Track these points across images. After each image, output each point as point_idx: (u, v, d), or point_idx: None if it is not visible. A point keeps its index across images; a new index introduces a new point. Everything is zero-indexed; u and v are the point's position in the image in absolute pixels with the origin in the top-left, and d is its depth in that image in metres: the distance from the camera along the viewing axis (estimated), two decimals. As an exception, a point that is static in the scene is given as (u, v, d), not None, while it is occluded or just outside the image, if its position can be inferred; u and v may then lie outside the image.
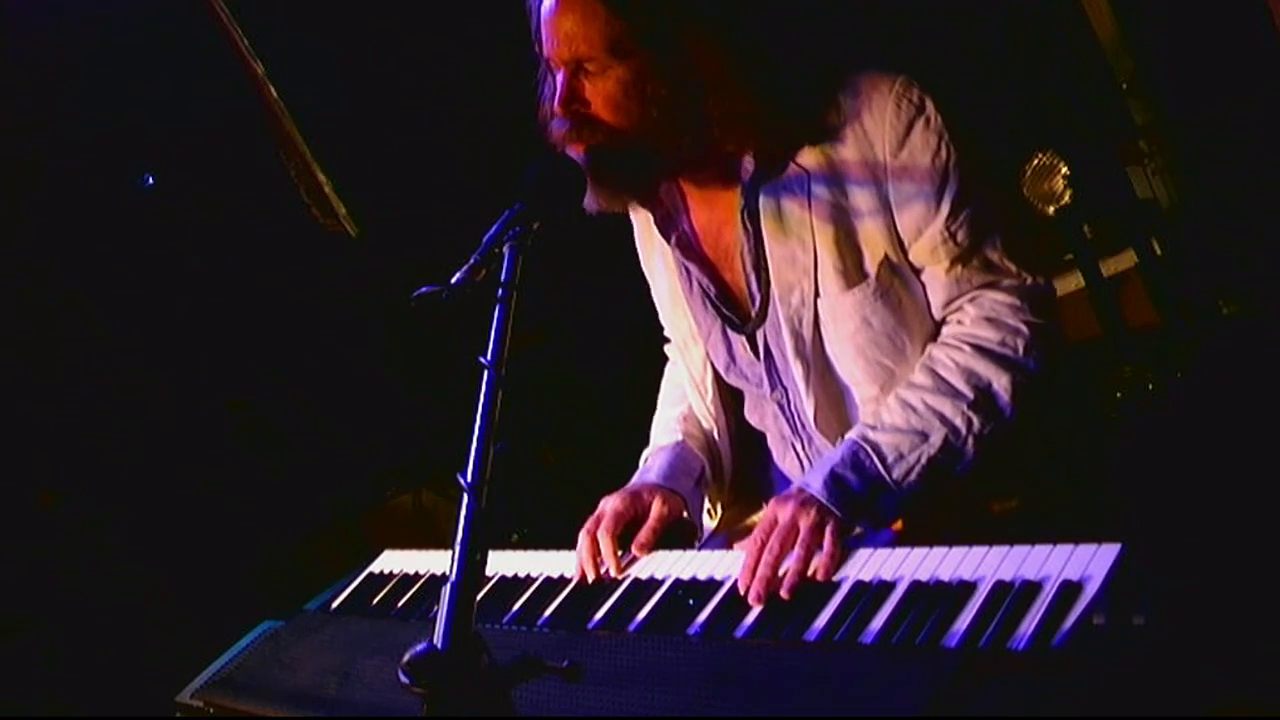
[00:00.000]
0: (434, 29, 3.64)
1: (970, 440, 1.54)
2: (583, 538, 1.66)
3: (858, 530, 1.56)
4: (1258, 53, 3.26)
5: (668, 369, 2.10)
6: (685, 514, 1.78)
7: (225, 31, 3.60)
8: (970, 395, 1.55)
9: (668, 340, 2.09)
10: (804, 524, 1.44)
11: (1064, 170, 3.22)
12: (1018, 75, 3.57)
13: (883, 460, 1.53)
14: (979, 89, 3.39)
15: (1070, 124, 3.57)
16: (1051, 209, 3.25)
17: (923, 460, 1.53)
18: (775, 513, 1.49)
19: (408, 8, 3.61)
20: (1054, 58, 3.66)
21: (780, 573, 1.40)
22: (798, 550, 1.41)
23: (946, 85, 1.58)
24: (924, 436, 1.54)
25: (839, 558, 1.40)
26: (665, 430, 1.94)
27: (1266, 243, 3.38)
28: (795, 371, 1.68)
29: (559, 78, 1.55)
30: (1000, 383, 1.55)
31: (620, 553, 1.64)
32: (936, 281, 1.62)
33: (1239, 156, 3.49)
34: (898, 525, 1.60)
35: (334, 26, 3.62)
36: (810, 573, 1.39)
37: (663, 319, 2.02)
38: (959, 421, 1.54)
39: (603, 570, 1.62)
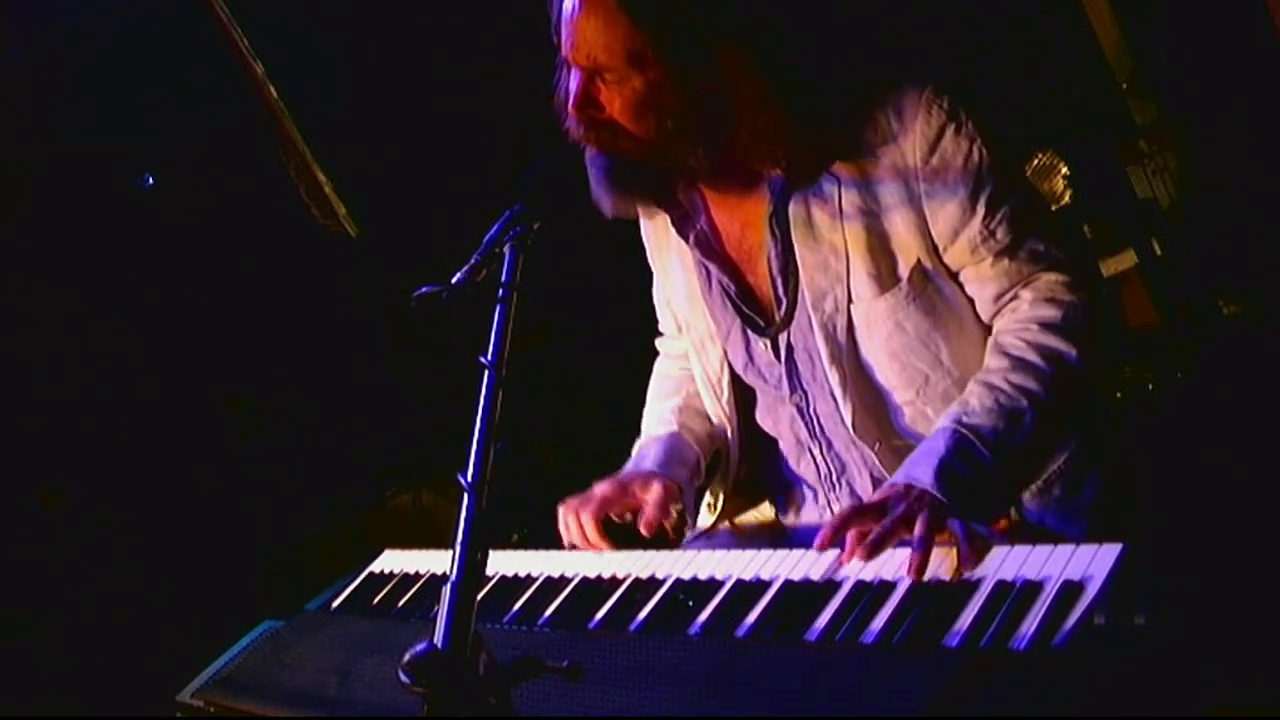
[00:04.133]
0: (434, 29, 3.64)
1: (1058, 411, 1.51)
2: (563, 512, 1.69)
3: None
4: (1258, 53, 3.27)
5: (658, 363, 2.10)
6: (679, 502, 1.78)
7: (225, 31, 3.60)
8: (1048, 368, 1.52)
9: (660, 334, 2.10)
10: (920, 521, 1.33)
11: (1064, 170, 3.23)
12: (1018, 75, 3.57)
13: (986, 443, 1.46)
14: (979, 88, 3.39)
15: (1070, 124, 3.57)
16: (1051, 209, 3.25)
17: (1022, 436, 1.48)
18: (887, 496, 1.40)
19: (407, 7, 3.61)
20: (1054, 58, 3.66)
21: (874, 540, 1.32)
22: (919, 530, 1.30)
23: (956, 85, 1.58)
24: (1017, 413, 1.49)
25: (982, 549, 1.28)
26: (660, 421, 1.94)
27: (1266, 243, 3.38)
28: (831, 378, 1.67)
29: (575, 79, 1.53)
30: (1071, 353, 1.53)
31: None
32: (983, 278, 1.60)
33: (1239, 156, 3.49)
34: (1004, 525, 1.58)
35: (334, 26, 3.62)
36: (952, 571, 1.27)
37: (665, 316, 2.01)
38: (1043, 393, 1.50)
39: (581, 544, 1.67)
